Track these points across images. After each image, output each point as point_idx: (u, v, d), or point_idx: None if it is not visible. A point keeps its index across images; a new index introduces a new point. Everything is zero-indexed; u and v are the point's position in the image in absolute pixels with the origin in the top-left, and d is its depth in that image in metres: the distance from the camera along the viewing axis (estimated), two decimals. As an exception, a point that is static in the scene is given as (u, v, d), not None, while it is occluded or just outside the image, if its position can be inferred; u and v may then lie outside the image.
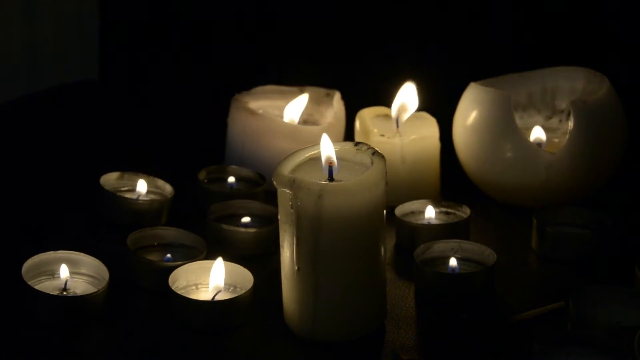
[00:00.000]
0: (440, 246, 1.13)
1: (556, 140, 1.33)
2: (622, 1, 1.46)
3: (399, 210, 1.21)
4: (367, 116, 1.31)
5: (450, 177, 1.33)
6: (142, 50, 1.72)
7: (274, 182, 0.99)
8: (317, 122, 1.38)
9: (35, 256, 1.06)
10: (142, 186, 1.24)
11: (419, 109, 1.32)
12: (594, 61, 1.34)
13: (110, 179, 1.26)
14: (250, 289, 1.04)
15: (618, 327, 0.96)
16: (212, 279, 1.06)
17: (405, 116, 1.30)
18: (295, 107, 1.35)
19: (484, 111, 1.27)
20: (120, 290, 1.08)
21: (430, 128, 1.30)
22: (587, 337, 0.95)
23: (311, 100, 1.39)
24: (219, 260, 1.06)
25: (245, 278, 1.06)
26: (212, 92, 1.60)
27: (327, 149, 1.01)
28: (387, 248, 1.05)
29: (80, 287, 1.07)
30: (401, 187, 1.25)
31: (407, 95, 1.30)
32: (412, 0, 1.56)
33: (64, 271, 1.06)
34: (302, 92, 1.39)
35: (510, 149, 1.25)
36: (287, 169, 1.00)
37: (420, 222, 1.21)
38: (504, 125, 1.25)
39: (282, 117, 1.35)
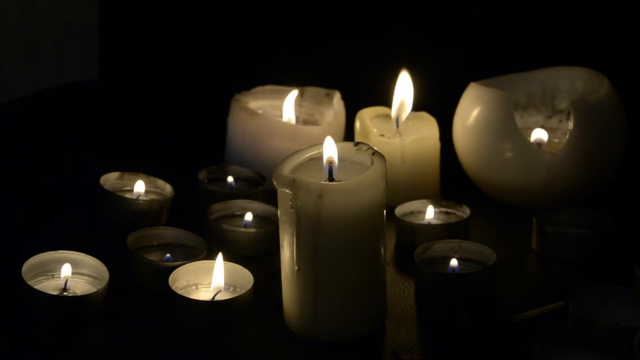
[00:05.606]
0: (440, 246, 1.13)
1: (556, 140, 1.33)
2: (622, 1, 1.46)
3: (399, 210, 1.21)
4: (367, 116, 1.31)
5: (450, 177, 1.33)
6: (142, 50, 1.72)
7: (274, 182, 0.99)
8: (317, 122, 1.38)
9: (35, 256, 1.06)
10: (140, 186, 1.24)
11: (419, 109, 1.32)
12: (594, 61, 1.34)
13: (110, 179, 1.26)
14: (250, 289, 1.04)
15: (618, 327, 0.96)
16: (214, 278, 1.06)
17: (405, 115, 1.30)
18: (288, 105, 1.35)
19: (484, 111, 1.26)
20: (120, 290, 1.08)
21: (430, 128, 1.30)
22: (587, 337, 0.95)
23: (311, 100, 1.39)
24: (219, 258, 1.06)
25: (245, 278, 1.06)
26: (212, 92, 1.60)
27: (330, 150, 1.01)
28: (387, 248, 1.05)
29: (80, 287, 1.07)
30: (401, 187, 1.25)
31: (405, 91, 1.29)
32: (412, 1, 1.56)
33: (65, 270, 1.06)
34: (302, 92, 1.39)
35: (511, 149, 1.25)
36: (287, 169, 1.00)
37: (420, 222, 1.21)
38: (504, 125, 1.25)
39: (281, 117, 1.35)
